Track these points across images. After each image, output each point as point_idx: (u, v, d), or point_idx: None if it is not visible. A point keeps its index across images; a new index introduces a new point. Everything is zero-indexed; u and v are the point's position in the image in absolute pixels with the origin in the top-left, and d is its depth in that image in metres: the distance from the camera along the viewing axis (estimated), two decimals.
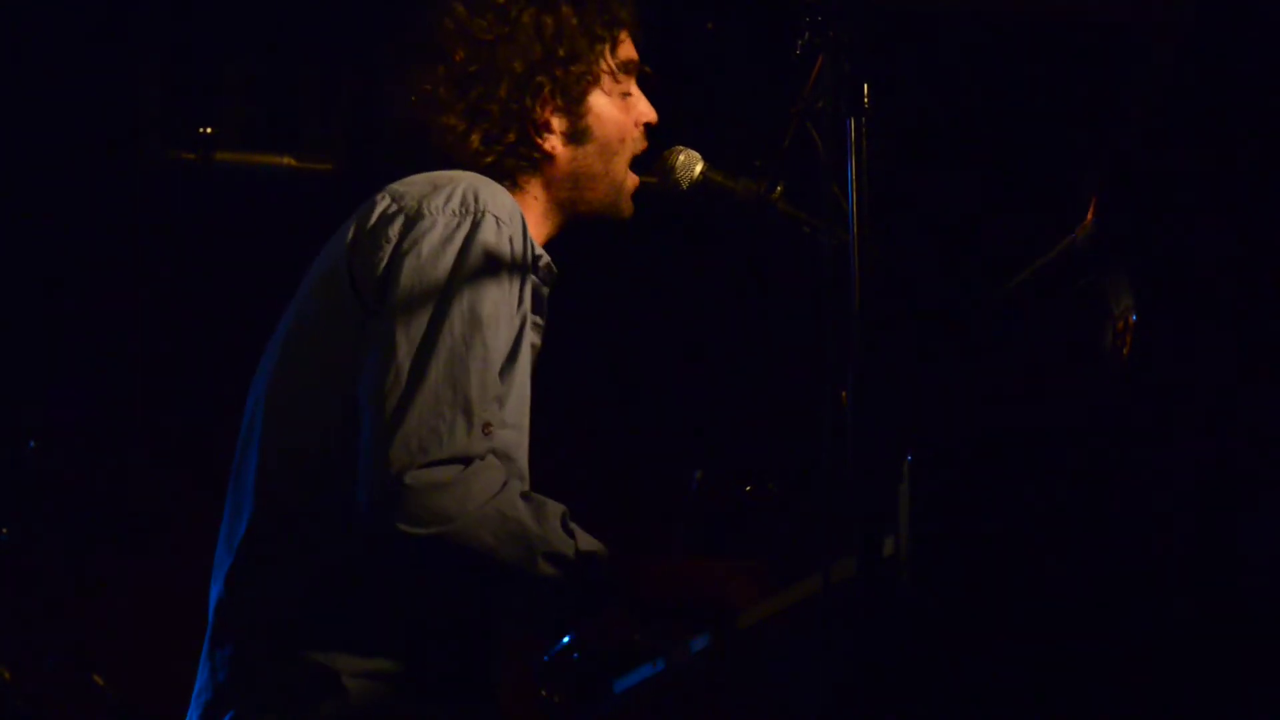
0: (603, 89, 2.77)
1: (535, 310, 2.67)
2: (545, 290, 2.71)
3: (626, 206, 2.81)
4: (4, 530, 4.28)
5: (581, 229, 2.83)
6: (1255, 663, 2.26)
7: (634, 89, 2.82)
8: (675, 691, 2.76)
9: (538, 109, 2.72)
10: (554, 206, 2.77)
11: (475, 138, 2.70)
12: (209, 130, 4.63)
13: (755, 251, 4.59)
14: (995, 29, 4.41)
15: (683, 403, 4.98)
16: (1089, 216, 2.64)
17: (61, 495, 4.56)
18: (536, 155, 2.73)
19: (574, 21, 2.74)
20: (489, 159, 2.71)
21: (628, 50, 2.80)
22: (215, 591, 2.59)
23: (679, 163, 2.80)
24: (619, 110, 2.78)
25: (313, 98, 4.77)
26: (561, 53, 2.72)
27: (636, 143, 2.81)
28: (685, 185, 2.80)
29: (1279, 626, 2.27)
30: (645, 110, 2.82)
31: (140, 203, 4.78)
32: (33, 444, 4.38)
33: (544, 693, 2.73)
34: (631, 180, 2.81)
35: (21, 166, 4.66)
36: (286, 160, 4.67)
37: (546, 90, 2.72)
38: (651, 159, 2.83)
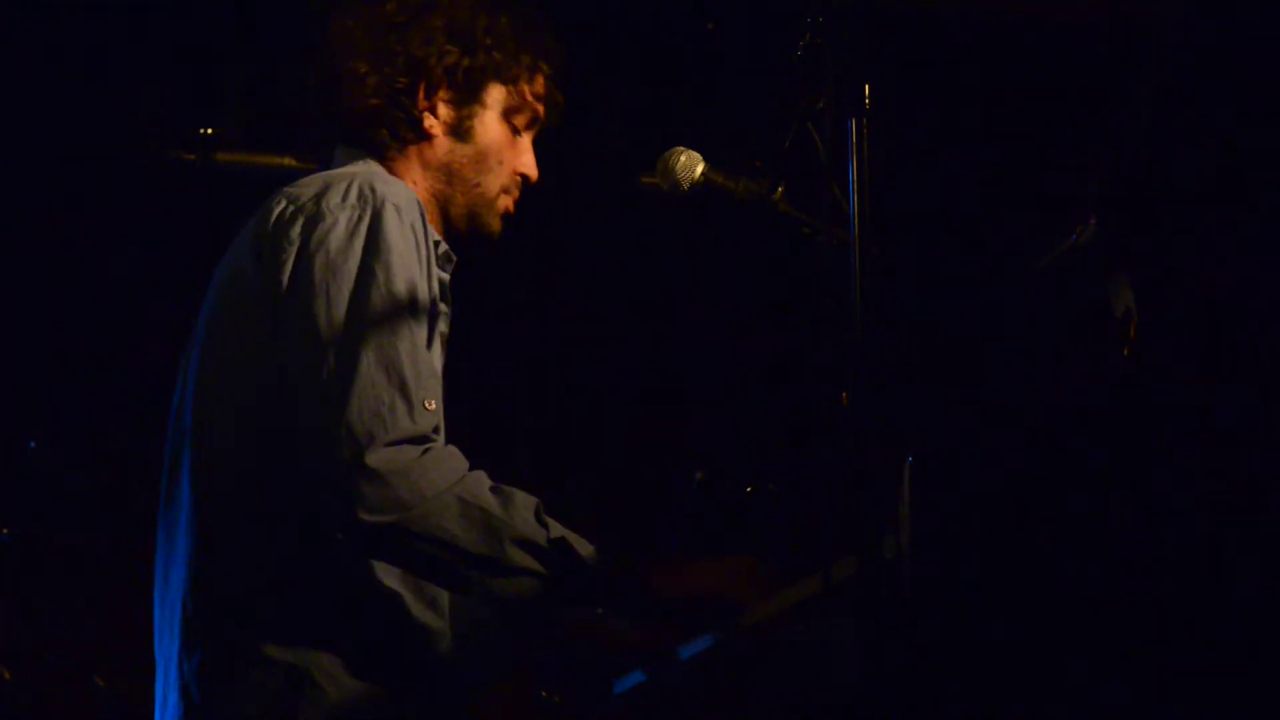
0: (499, 107, 2.78)
1: (440, 297, 2.66)
2: (446, 277, 2.71)
3: (493, 223, 2.81)
4: (4, 530, 4.28)
5: (556, 230, 2.84)
6: (1256, 663, 2.26)
7: (526, 140, 2.83)
8: (675, 692, 2.76)
9: (438, 73, 2.73)
10: (431, 197, 2.77)
11: (372, 80, 2.72)
12: (209, 131, 4.62)
13: (756, 252, 4.59)
14: (995, 29, 4.40)
15: (683, 403, 4.98)
16: (1090, 217, 2.64)
17: (61, 495, 4.56)
18: (416, 116, 2.74)
19: (506, 30, 2.77)
20: (375, 101, 2.72)
21: (539, 90, 2.81)
22: (170, 607, 2.57)
23: (680, 164, 2.80)
24: (504, 137, 2.79)
25: (314, 98, 4.77)
26: (485, 42, 2.75)
27: (513, 181, 2.81)
28: (686, 186, 2.80)
29: (1278, 626, 2.27)
30: (529, 163, 2.83)
31: (140, 203, 4.78)
32: (33, 444, 4.38)
33: (544, 693, 2.73)
34: (503, 203, 2.80)
35: (21, 166, 4.66)
36: (287, 161, 4.66)
37: (451, 60, 2.73)
38: (652, 160, 2.83)
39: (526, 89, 2.80)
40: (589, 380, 4.91)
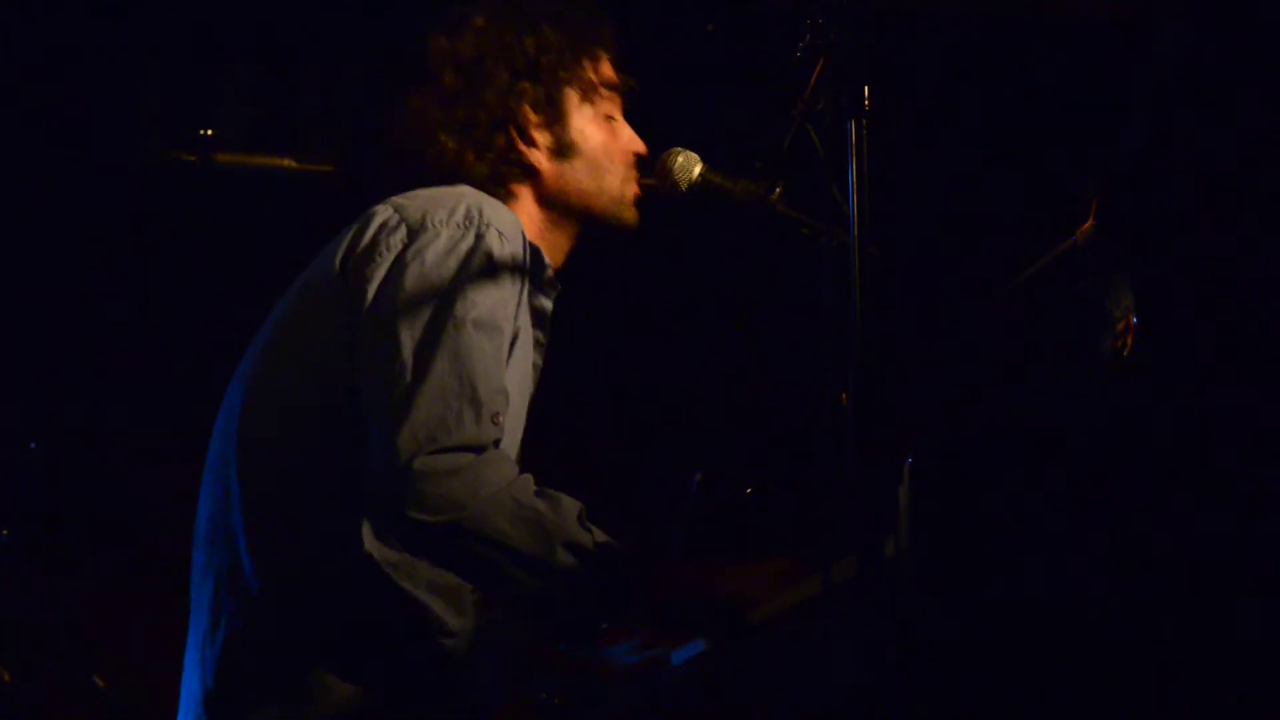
0: (585, 107, 2.81)
1: (538, 325, 2.71)
2: (549, 305, 2.74)
3: (629, 216, 2.84)
4: (4, 532, 4.28)
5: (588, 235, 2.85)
6: (1255, 663, 2.26)
7: (618, 116, 2.85)
8: (675, 692, 2.76)
9: (523, 112, 2.76)
10: (551, 223, 2.80)
11: (469, 153, 2.75)
12: (209, 132, 4.63)
13: (754, 253, 4.59)
14: (995, 30, 4.40)
15: (683, 405, 4.98)
16: (1089, 218, 2.64)
17: (61, 497, 4.56)
18: (524, 161, 2.77)
19: (555, 38, 2.79)
20: (483, 169, 2.75)
21: (609, 71, 2.84)
22: (202, 598, 2.60)
23: (678, 164, 2.80)
24: (603, 131, 2.82)
25: (313, 99, 4.77)
26: (544, 61, 2.78)
27: (629, 166, 2.83)
28: (684, 187, 2.80)
29: (1278, 625, 2.26)
30: (631, 139, 2.85)
31: (140, 204, 4.78)
32: (33, 445, 4.38)
33: (543, 694, 2.73)
34: (631, 191, 2.83)
35: (22, 167, 4.66)
36: (287, 162, 4.66)
37: (529, 95, 2.77)
38: (650, 160, 2.83)
39: (597, 80, 2.82)
40: (587, 381, 4.91)
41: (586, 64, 2.81)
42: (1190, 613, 2.26)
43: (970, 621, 2.26)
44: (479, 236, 2.53)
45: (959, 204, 4.56)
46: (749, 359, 4.93)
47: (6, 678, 4.13)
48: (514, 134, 2.76)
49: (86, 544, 4.69)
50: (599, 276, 4.83)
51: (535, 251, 2.67)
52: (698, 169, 2.80)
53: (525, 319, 2.63)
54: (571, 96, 2.79)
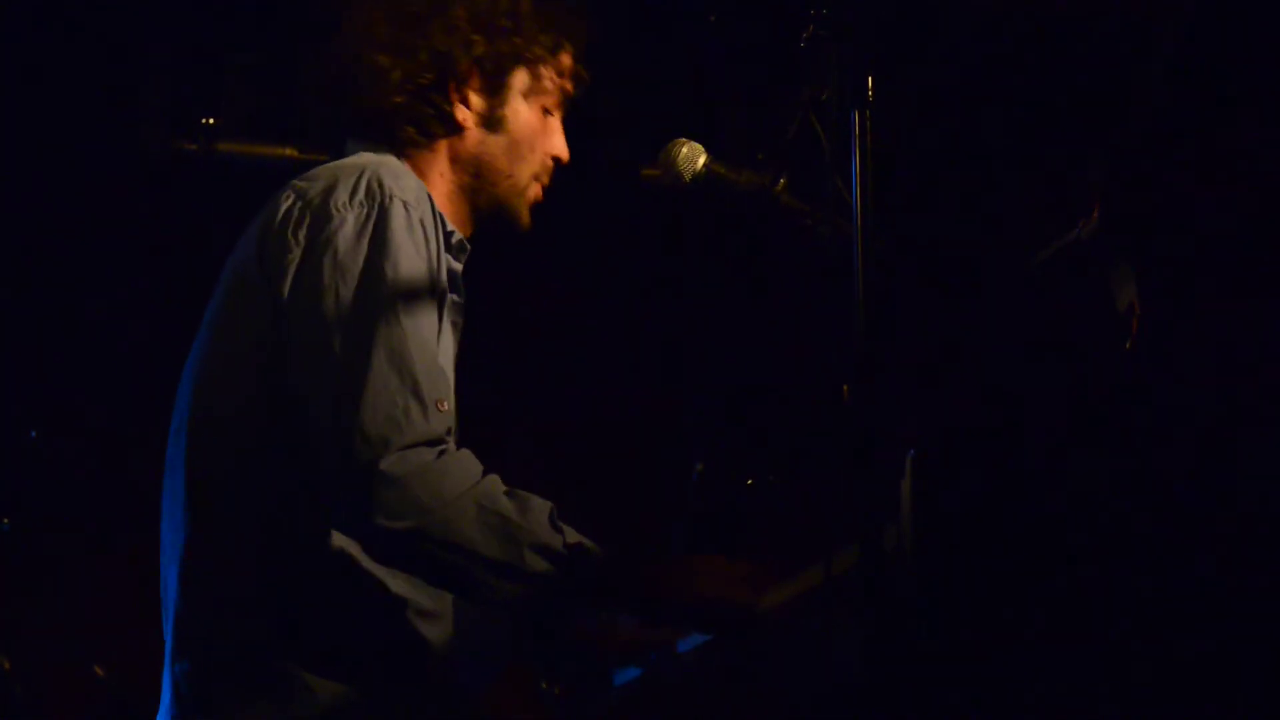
0: (528, 89, 2.76)
1: (452, 289, 2.65)
2: (459, 266, 2.68)
3: (524, 215, 2.79)
4: (5, 521, 4.28)
5: (558, 229, 2.83)
6: (1255, 659, 2.26)
7: (556, 121, 2.81)
8: (674, 684, 2.76)
9: (465, 64, 2.70)
10: (458, 190, 2.75)
11: (396, 74, 2.69)
12: (211, 121, 4.62)
13: (758, 244, 4.58)
14: (1000, 20, 4.40)
15: (684, 396, 4.98)
16: (1093, 210, 2.64)
17: (62, 486, 4.56)
18: (447, 110, 2.71)
19: (528, 9, 2.74)
20: (400, 99, 2.69)
21: (565, 64, 2.79)
22: (167, 604, 2.58)
23: (682, 155, 2.79)
24: (536, 119, 2.77)
25: (329, 91, 4.78)
26: (505, 24, 2.72)
27: (545, 167, 2.79)
28: (688, 178, 2.80)
29: (1278, 622, 2.27)
30: (560, 145, 2.81)
31: (142, 193, 4.78)
32: (34, 434, 4.38)
33: (544, 685, 2.73)
34: (534, 191, 2.79)
35: (23, 156, 4.66)
36: (289, 151, 4.66)
37: (477, 49, 2.71)
38: (655, 152, 2.83)
39: (552, 69, 2.78)
40: (590, 372, 4.91)
41: (546, 47, 2.76)
42: (1192, 603, 2.26)
43: (971, 612, 2.26)
44: (384, 211, 2.48)
45: (962, 195, 4.56)
46: (752, 350, 4.93)
47: (7, 666, 4.13)
48: (449, 83, 2.71)
49: (86, 534, 4.69)
50: (602, 265, 4.85)
51: (440, 217, 2.60)
52: (702, 160, 2.79)
53: (443, 283, 2.57)
54: (519, 75, 2.74)
